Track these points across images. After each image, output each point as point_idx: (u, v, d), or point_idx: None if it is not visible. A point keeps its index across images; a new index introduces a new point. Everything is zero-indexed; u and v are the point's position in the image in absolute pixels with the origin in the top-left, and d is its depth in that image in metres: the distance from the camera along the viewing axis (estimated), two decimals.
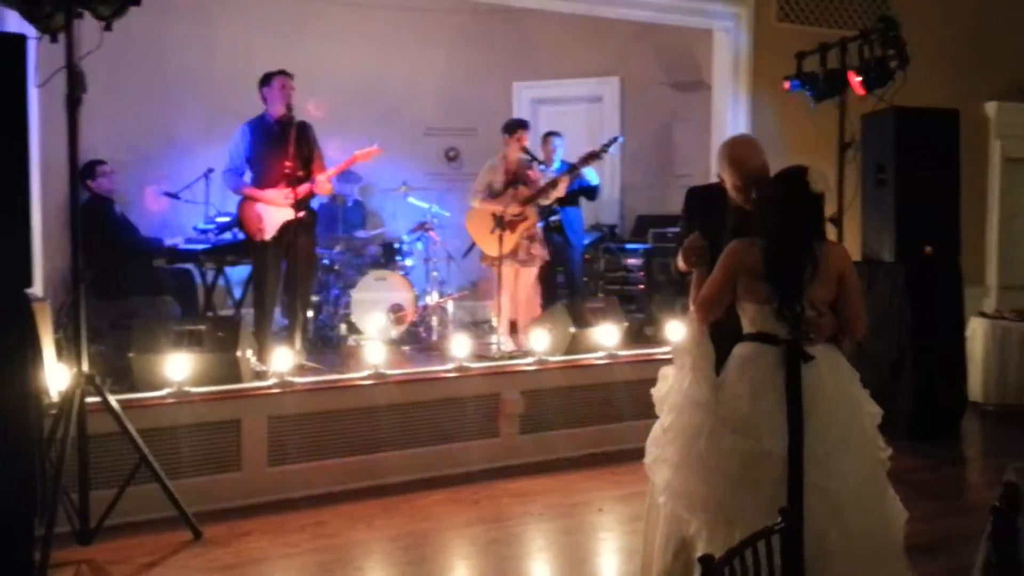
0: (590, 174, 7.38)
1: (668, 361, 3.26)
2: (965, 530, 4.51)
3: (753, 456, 2.85)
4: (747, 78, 7.78)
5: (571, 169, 7.08)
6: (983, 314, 7.56)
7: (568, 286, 7.71)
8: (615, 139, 7.13)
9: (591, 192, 7.65)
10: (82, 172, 6.63)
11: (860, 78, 6.23)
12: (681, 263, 3.29)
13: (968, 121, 7.15)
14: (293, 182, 5.89)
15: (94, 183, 6.67)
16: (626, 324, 6.73)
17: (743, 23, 7.76)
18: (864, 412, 2.97)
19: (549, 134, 7.81)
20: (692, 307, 3.17)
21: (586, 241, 8.26)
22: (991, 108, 8.88)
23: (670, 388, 3.19)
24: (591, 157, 6.95)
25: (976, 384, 7.11)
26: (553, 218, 7.43)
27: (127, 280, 6.40)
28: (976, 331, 7.24)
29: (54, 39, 4.17)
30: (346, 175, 8.06)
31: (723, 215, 3.36)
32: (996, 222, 9.01)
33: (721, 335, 3.10)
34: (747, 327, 3.03)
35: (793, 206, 2.97)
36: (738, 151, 3.29)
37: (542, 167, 7.16)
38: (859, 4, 8.11)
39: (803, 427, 2.79)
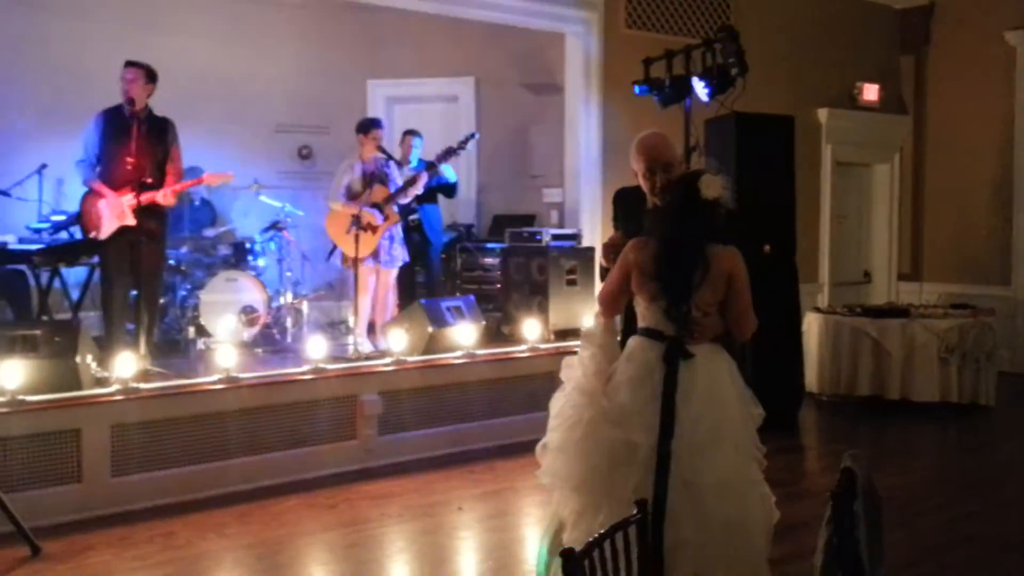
0: (447, 171, 7.40)
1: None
2: (805, 515, 4.76)
3: (623, 446, 2.95)
4: (598, 82, 7.99)
5: (429, 166, 7.06)
6: (817, 309, 8.02)
7: (427, 285, 7.70)
8: (471, 135, 7.17)
9: (449, 189, 7.68)
10: None
11: (703, 84, 6.48)
12: (603, 259, 3.45)
13: (802, 126, 7.57)
14: (137, 185, 5.60)
15: None
16: (483, 323, 6.78)
17: (593, 28, 7.96)
18: (742, 412, 3.05)
19: (408, 132, 7.78)
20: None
21: (444, 240, 8.27)
22: (823, 114, 9.44)
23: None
24: (448, 153, 6.96)
25: (811, 376, 7.54)
26: (412, 217, 7.41)
27: None
28: (811, 325, 7.67)
29: None
30: (192, 171, 7.78)
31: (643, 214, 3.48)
32: (828, 222, 9.59)
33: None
34: (639, 322, 3.13)
35: (684, 211, 3.04)
36: (645, 140, 3.44)
37: (400, 166, 7.13)
38: (702, 13, 8.45)
39: (674, 422, 2.89)
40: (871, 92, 9.74)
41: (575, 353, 3.24)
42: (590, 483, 3.00)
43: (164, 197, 5.77)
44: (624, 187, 3.87)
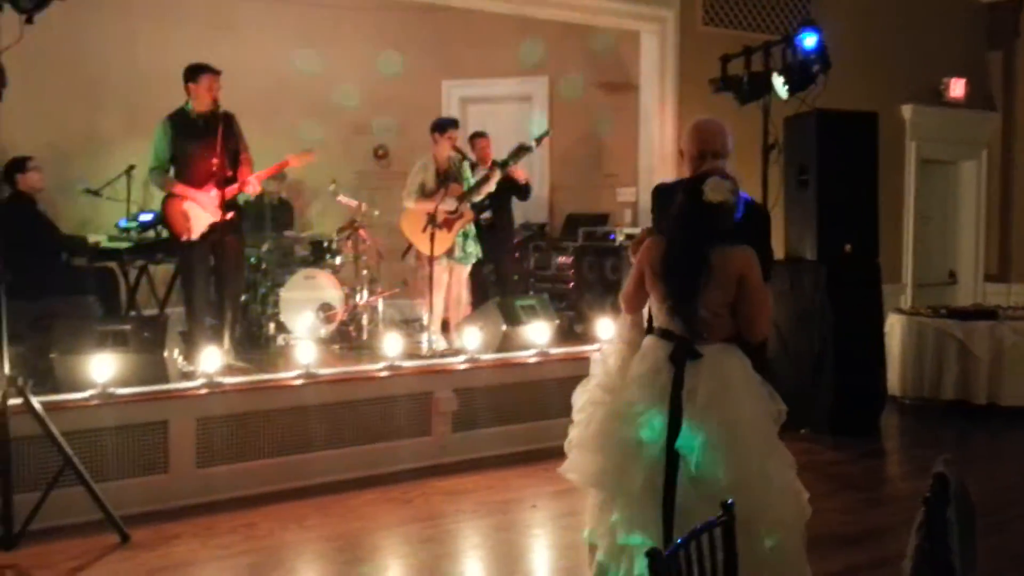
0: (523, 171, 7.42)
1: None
2: (888, 521, 4.68)
3: (631, 443, 3.00)
4: (673, 80, 7.92)
5: (503, 164, 7.09)
6: (900, 310, 7.82)
7: (499, 284, 7.72)
8: (545, 132, 7.16)
9: (522, 191, 7.67)
10: (8, 168, 6.45)
11: (783, 81, 6.38)
12: (631, 255, 3.45)
13: (885, 123, 7.38)
14: (221, 181, 5.77)
15: (22, 178, 6.45)
16: (557, 322, 6.78)
17: (669, 26, 7.89)
18: (756, 410, 3.00)
19: (476, 135, 7.80)
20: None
21: (516, 239, 8.29)
22: (907, 111, 9.20)
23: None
24: (522, 151, 6.98)
25: (894, 379, 7.35)
26: (485, 215, 7.44)
27: (46, 279, 6.18)
28: (894, 327, 7.48)
29: None
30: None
31: None
32: (911, 221, 9.34)
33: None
34: (653, 321, 3.17)
35: (687, 214, 3.05)
36: (703, 124, 3.42)
37: (474, 167, 7.17)
38: (782, 9, 8.31)
39: (679, 420, 2.91)
40: (957, 88, 9.46)
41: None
42: (603, 479, 3.08)
43: (252, 186, 5.92)
44: (663, 182, 3.87)
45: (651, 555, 1.69)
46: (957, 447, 6.37)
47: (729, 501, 2.07)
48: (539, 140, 7.01)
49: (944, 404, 7.24)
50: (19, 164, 6.42)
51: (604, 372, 3.20)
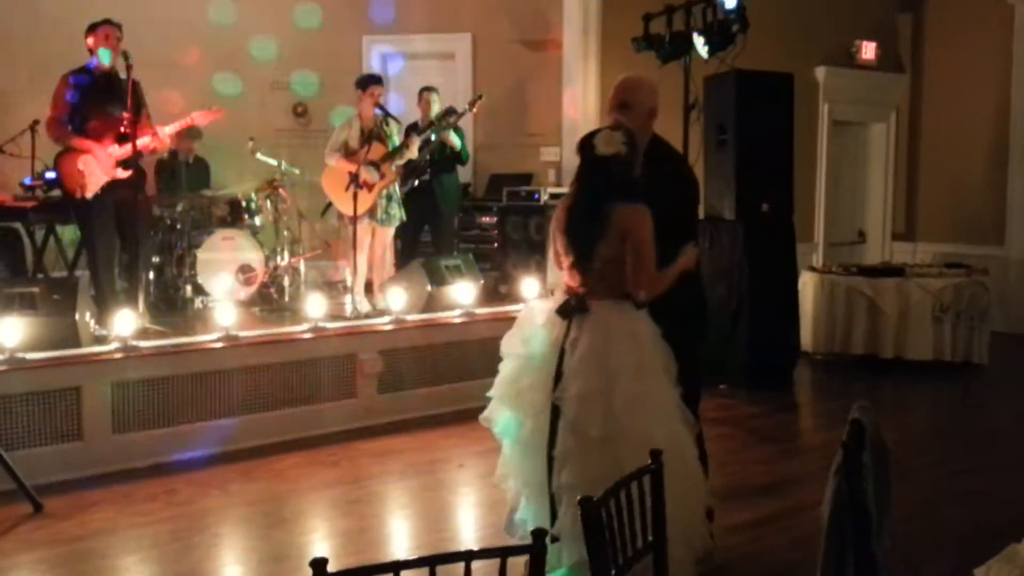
0: (453, 137, 7.34)
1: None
2: (804, 470, 4.85)
3: (524, 393, 3.14)
4: (596, 38, 7.93)
5: (427, 127, 7.04)
6: (813, 268, 8.04)
7: (434, 247, 7.67)
8: (479, 97, 7.13)
9: (457, 157, 7.59)
10: None
11: (704, 40, 6.42)
12: None
13: (800, 85, 7.52)
14: (121, 139, 5.54)
15: None
16: (481, 282, 6.78)
17: None
18: (643, 365, 3.01)
19: (425, 89, 7.66)
20: None
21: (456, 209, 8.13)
22: (820, 73, 9.40)
23: None
24: (448, 114, 6.93)
25: (806, 335, 7.58)
26: (424, 178, 7.37)
27: None
28: (806, 285, 7.69)
29: None
30: (188, 130, 7.70)
31: None
32: (824, 182, 9.58)
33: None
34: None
35: (583, 169, 3.15)
36: (622, 78, 3.54)
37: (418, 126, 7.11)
38: None
39: (561, 371, 3.02)
40: (869, 50, 9.69)
41: None
42: (505, 427, 3.20)
43: (159, 140, 5.71)
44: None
45: (582, 503, 1.71)
46: (866, 399, 6.61)
47: (658, 449, 2.10)
48: (472, 104, 6.97)
49: (854, 358, 7.50)
50: None
51: (527, 325, 3.25)
